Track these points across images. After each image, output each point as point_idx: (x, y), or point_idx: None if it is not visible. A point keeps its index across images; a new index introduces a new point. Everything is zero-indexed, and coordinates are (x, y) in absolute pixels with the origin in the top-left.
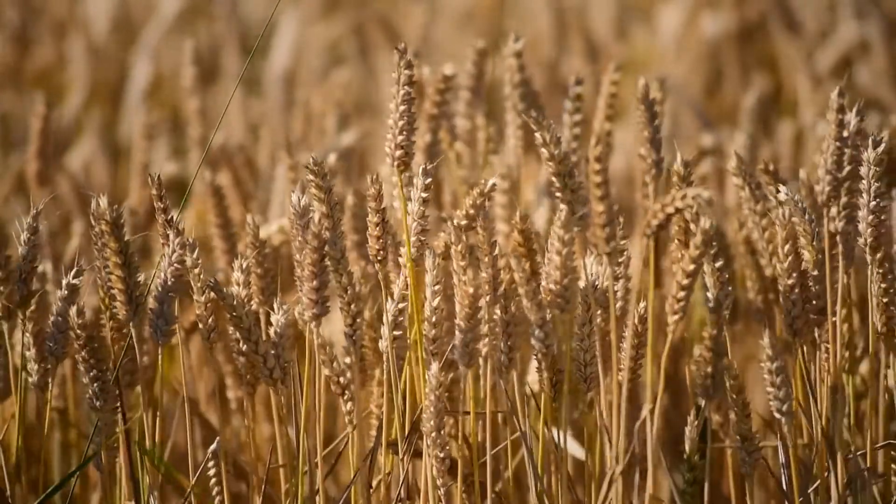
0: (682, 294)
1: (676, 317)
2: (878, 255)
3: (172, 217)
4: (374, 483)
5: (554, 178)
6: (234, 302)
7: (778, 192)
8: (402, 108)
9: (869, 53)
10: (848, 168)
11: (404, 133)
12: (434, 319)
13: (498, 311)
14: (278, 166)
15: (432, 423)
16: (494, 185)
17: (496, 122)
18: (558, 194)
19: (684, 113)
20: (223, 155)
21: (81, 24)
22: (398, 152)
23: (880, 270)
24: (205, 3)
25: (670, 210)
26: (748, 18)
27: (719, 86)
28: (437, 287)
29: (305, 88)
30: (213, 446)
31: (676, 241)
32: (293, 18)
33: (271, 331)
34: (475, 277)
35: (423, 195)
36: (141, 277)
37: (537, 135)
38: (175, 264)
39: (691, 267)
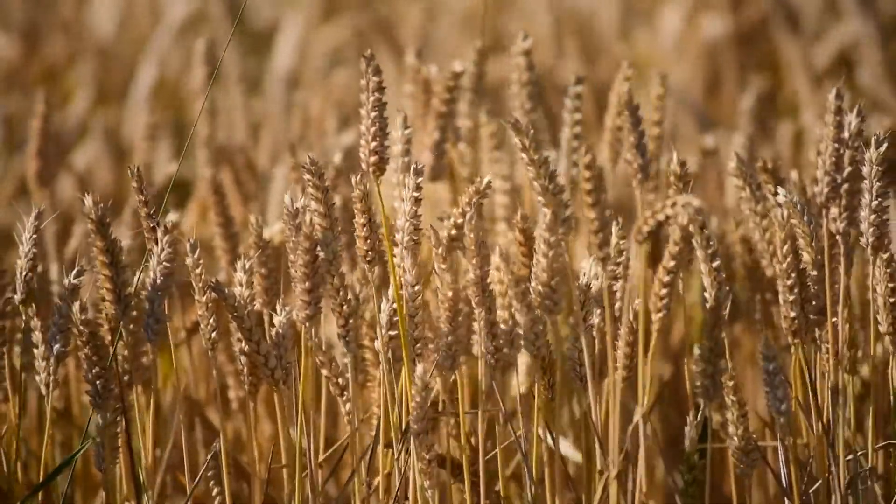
0: (664, 291)
1: (660, 314)
2: (885, 255)
3: (156, 213)
4: (374, 483)
5: (535, 183)
6: (236, 302)
7: (776, 193)
8: (373, 114)
9: (868, 54)
10: (848, 169)
11: (377, 139)
12: (417, 319)
13: (483, 313)
14: (277, 167)
15: (418, 424)
16: (490, 182)
17: (497, 122)
18: (539, 198)
19: (684, 114)
20: (223, 155)
21: (88, 26)
22: (372, 158)
23: (888, 270)
24: (207, 6)
25: (661, 217)
26: (748, 20)
27: (719, 87)
28: (416, 287)
29: (307, 89)
30: (214, 446)
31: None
32: (295, 20)
33: (273, 331)
34: (456, 280)
35: (415, 194)
36: (138, 277)
37: (516, 140)
38: (164, 262)
39: (671, 264)
